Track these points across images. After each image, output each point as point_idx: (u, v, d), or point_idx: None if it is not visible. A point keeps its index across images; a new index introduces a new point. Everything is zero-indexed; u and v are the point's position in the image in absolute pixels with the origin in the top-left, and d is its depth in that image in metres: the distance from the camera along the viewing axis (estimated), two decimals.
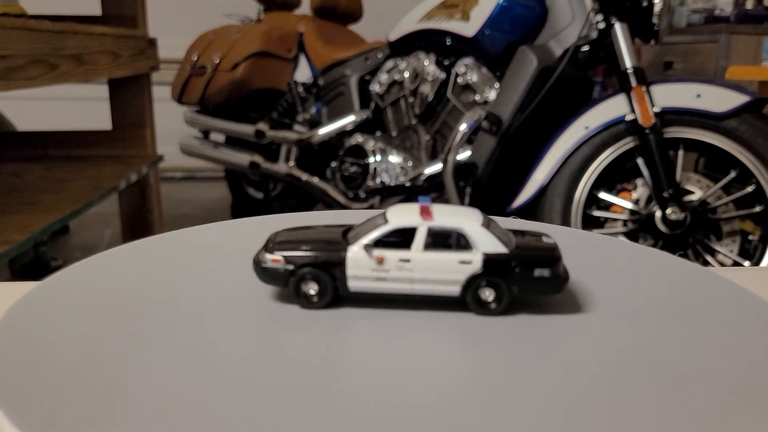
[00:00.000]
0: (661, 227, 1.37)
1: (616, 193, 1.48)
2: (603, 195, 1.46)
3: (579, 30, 1.48)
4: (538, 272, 0.29)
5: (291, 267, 0.30)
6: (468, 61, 1.61)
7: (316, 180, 1.89)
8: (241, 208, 2.43)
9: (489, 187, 1.52)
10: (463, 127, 1.49)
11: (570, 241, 0.41)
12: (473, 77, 1.59)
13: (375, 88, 1.84)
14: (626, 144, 1.41)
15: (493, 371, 0.24)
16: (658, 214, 1.37)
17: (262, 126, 1.96)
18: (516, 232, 0.32)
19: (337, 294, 0.30)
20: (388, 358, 0.25)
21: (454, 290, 0.29)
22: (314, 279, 0.30)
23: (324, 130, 1.85)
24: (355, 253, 0.30)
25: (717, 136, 1.33)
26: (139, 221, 1.78)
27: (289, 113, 2.10)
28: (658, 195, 1.36)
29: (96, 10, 3.05)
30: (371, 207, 1.76)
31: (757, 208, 1.34)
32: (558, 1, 1.52)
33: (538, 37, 1.56)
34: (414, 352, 0.26)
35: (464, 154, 1.54)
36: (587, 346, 0.27)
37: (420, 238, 0.30)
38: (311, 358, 0.25)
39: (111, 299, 0.30)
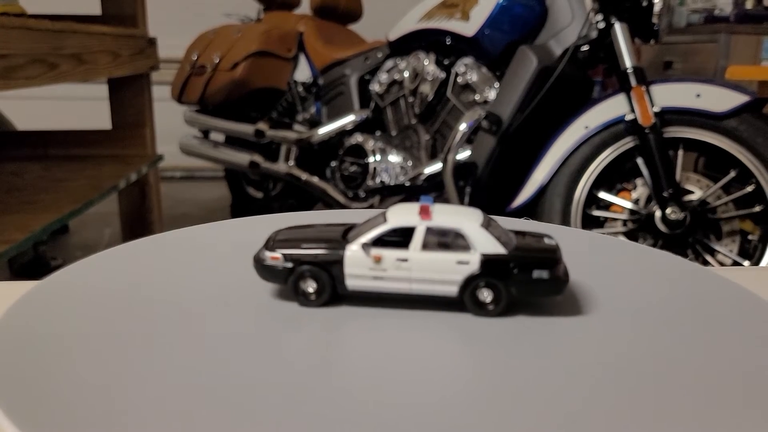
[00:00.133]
0: (661, 227, 1.37)
1: (616, 193, 1.48)
2: (603, 195, 1.46)
3: (579, 30, 1.48)
4: (537, 274, 0.29)
5: (290, 264, 0.30)
6: (468, 60, 1.61)
7: (315, 179, 1.89)
8: (241, 207, 2.43)
9: (489, 187, 1.52)
10: (462, 126, 1.49)
11: (570, 241, 0.41)
12: (473, 77, 1.59)
13: (375, 87, 1.84)
14: (626, 144, 1.41)
15: (492, 371, 0.24)
16: (658, 213, 1.37)
17: (262, 125, 1.96)
18: (518, 233, 0.32)
19: (335, 292, 0.30)
20: (386, 358, 0.25)
21: (452, 290, 0.29)
22: (313, 277, 0.30)
23: (324, 130, 1.85)
24: (353, 251, 0.30)
25: (717, 136, 1.33)
26: (138, 221, 1.78)
27: (289, 113, 2.10)
28: (658, 195, 1.36)
29: (96, 9, 3.05)
30: (371, 206, 1.76)
31: (757, 208, 1.34)
32: (558, 0, 1.52)
33: (537, 37, 1.56)
34: (412, 351, 0.26)
35: (464, 154, 1.54)
36: (587, 346, 0.27)
37: (418, 237, 0.30)
38: (309, 356, 0.25)
39: (110, 298, 0.30)
